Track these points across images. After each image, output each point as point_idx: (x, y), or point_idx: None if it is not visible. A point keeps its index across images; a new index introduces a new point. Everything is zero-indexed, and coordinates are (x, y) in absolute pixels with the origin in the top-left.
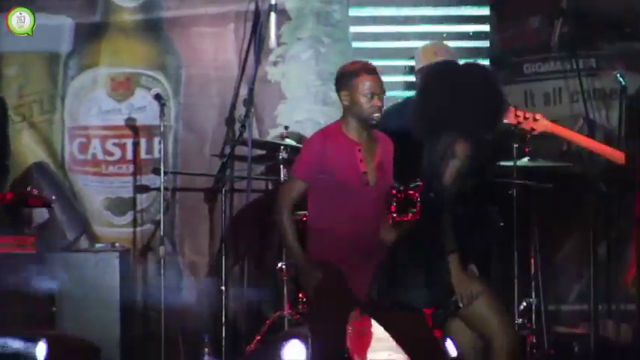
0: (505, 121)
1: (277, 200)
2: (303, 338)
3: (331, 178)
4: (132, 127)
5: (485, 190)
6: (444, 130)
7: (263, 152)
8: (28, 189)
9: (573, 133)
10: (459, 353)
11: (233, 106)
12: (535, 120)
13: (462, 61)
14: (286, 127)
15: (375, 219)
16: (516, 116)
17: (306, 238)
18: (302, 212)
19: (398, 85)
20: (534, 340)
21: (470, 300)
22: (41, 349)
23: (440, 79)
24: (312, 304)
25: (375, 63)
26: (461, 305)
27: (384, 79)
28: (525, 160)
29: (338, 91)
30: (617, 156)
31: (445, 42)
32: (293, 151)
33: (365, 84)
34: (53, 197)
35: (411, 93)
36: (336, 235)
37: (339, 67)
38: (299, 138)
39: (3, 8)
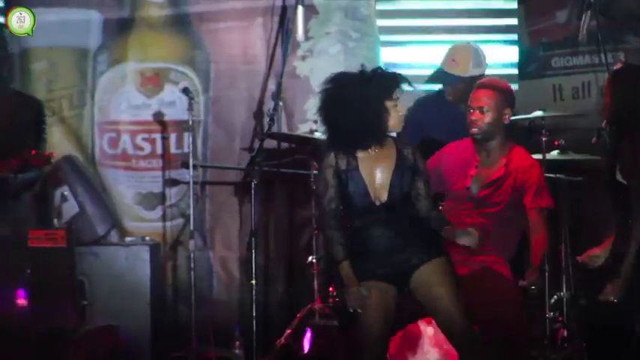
0: None
1: None
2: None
3: (444, 186)
4: (161, 121)
5: None
6: None
7: (292, 146)
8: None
9: None
10: None
11: (261, 100)
12: None
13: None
14: (315, 122)
15: None
16: None
17: None
18: None
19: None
20: (565, 334)
21: (357, 304)
22: None
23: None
24: None
25: (402, 58)
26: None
27: (410, 72)
28: (555, 153)
29: None
30: None
31: (471, 43)
32: (322, 144)
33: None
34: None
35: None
36: None
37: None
38: None
39: (34, 3)
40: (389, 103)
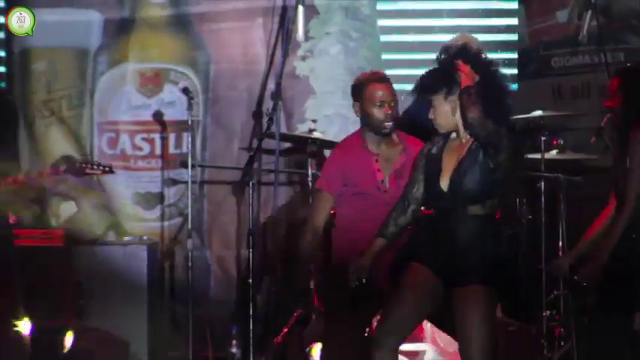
0: None
1: (310, 214)
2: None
3: (353, 188)
4: (160, 121)
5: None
6: None
7: (291, 145)
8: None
9: None
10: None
11: (261, 100)
12: None
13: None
14: (314, 121)
15: None
16: None
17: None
18: None
19: None
20: (562, 333)
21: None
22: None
23: None
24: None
25: (402, 56)
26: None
27: (412, 72)
28: (554, 152)
29: (353, 103)
30: None
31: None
32: (320, 144)
33: (374, 93)
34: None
35: None
36: (357, 235)
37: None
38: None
39: (35, 3)
40: None
